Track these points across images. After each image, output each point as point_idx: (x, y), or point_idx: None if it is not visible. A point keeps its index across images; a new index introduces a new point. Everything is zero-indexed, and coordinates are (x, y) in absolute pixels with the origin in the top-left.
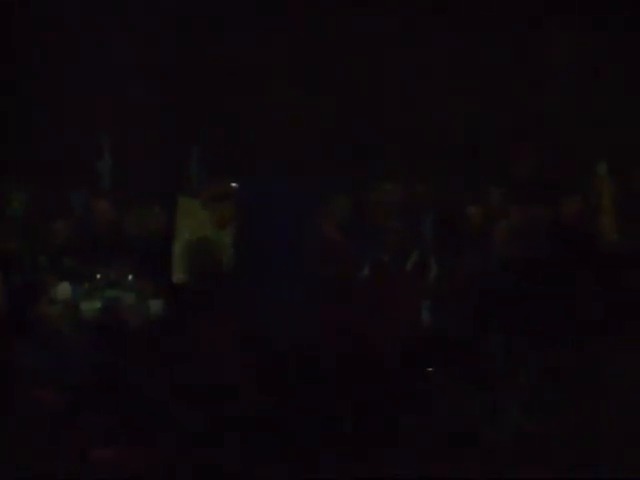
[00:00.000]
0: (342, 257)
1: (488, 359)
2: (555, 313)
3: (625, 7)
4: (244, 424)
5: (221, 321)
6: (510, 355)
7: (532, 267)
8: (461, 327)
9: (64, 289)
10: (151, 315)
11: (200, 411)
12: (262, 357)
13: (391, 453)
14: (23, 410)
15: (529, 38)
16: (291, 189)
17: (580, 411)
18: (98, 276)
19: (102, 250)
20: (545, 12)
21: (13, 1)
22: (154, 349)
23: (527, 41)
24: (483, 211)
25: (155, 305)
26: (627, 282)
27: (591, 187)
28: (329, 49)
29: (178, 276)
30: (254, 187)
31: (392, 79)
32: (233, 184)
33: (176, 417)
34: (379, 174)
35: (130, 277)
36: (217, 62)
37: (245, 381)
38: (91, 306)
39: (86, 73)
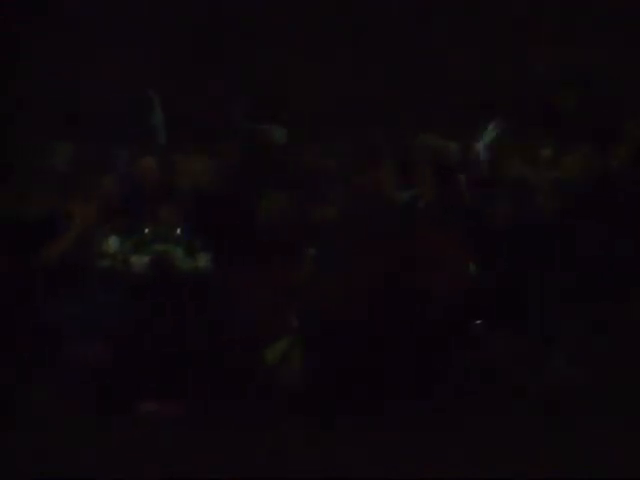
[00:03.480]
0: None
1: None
2: (602, 263)
3: None
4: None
5: (267, 274)
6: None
7: (579, 217)
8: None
9: (112, 243)
10: (199, 268)
11: (245, 363)
12: (308, 311)
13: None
14: (71, 362)
15: None
16: None
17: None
18: (146, 230)
19: (150, 204)
20: None
21: None
22: (202, 302)
23: None
24: (526, 160)
25: (203, 258)
26: None
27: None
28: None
29: None
30: None
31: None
32: None
33: (222, 369)
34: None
35: (179, 231)
36: None
37: (289, 334)
38: (139, 260)
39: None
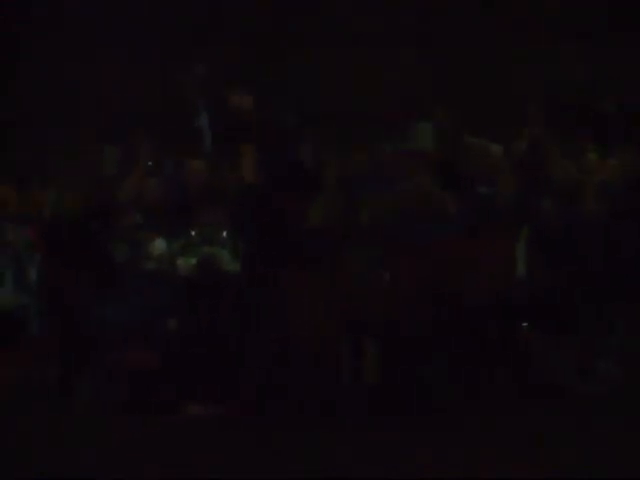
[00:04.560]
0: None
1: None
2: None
3: None
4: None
5: (314, 278)
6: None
7: (621, 222)
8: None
9: (159, 245)
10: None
11: (291, 365)
12: (356, 315)
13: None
14: (118, 365)
15: None
16: None
17: None
18: (193, 233)
19: (197, 207)
20: None
21: None
22: (247, 304)
23: None
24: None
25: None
26: None
27: None
28: None
29: None
30: None
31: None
32: None
33: (268, 371)
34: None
35: (225, 234)
36: None
37: (336, 336)
38: (186, 262)
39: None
